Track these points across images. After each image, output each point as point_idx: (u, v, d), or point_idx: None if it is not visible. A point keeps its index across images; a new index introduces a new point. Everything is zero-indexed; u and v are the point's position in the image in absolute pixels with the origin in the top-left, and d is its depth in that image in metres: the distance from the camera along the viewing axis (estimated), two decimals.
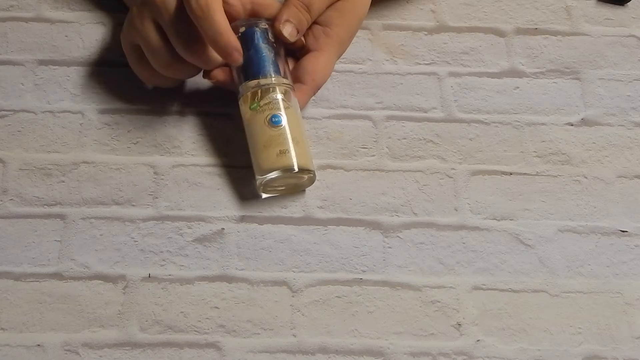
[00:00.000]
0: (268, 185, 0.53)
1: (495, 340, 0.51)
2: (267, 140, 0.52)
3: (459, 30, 0.64)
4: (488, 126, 0.59)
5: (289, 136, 0.52)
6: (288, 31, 0.54)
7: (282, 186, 0.55)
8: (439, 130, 0.59)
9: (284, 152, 0.52)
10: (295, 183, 0.55)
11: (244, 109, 0.54)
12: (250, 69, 0.54)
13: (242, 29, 0.54)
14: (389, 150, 0.58)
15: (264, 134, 0.52)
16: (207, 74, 0.55)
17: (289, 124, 0.53)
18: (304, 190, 0.56)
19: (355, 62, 0.62)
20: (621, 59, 0.63)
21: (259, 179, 0.53)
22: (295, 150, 0.52)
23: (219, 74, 0.55)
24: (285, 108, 0.53)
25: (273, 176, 0.52)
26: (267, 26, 0.55)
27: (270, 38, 0.55)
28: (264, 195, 0.55)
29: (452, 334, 0.51)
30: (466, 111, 0.60)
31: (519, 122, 0.60)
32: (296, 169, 0.52)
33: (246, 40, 0.54)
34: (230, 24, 0.51)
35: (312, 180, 0.55)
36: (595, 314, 0.52)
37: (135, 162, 0.57)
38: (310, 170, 0.53)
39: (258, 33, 0.54)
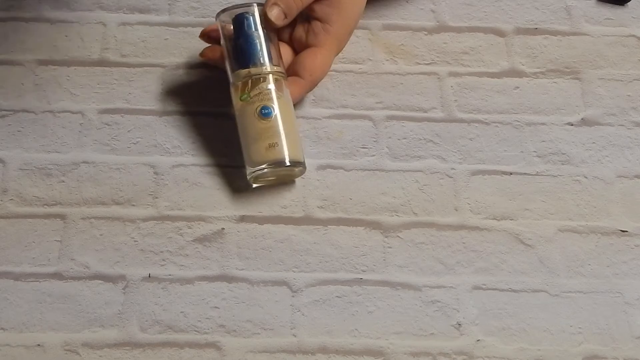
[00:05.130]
0: (259, 177, 0.53)
1: (495, 340, 0.51)
2: (257, 132, 0.52)
3: (459, 30, 0.64)
4: (488, 126, 0.59)
5: (280, 128, 0.52)
6: (274, 14, 0.54)
7: (272, 177, 0.54)
8: (439, 130, 0.59)
9: (274, 145, 0.52)
10: (286, 174, 0.55)
11: (235, 99, 0.54)
12: (241, 57, 0.53)
13: (233, 16, 0.54)
14: (389, 150, 0.58)
15: (254, 126, 0.52)
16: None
17: (280, 115, 0.52)
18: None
19: (355, 62, 0.62)
20: (621, 59, 0.63)
21: (250, 170, 0.53)
22: (286, 143, 0.52)
23: (209, 52, 0.55)
24: (277, 98, 0.53)
25: (263, 169, 0.52)
26: (257, 11, 0.54)
27: (261, 23, 0.54)
28: (255, 185, 0.55)
29: (452, 334, 0.51)
30: (466, 111, 0.60)
31: (519, 122, 0.60)
32: (288, 163, 0.52)
33: (236, 27, 0.54)
34: (220, 10, 0.51)
35: (302, 172, 0.55)
36: (595, 314, 0.52)
37: (135, 162, 0.57)
38: (301, 162, 0.53)
39: (248, 19, 0.54)
